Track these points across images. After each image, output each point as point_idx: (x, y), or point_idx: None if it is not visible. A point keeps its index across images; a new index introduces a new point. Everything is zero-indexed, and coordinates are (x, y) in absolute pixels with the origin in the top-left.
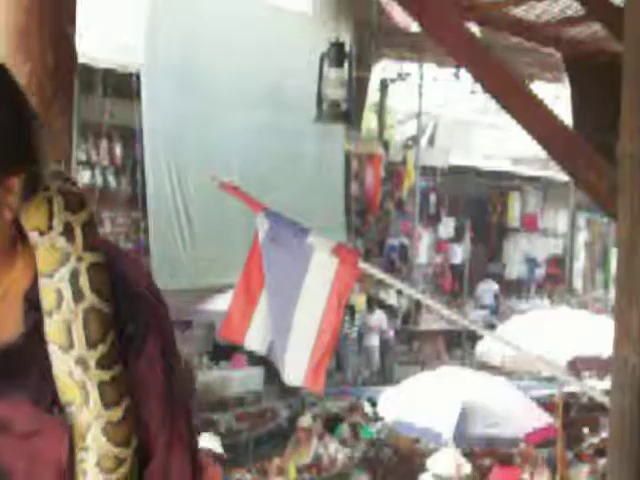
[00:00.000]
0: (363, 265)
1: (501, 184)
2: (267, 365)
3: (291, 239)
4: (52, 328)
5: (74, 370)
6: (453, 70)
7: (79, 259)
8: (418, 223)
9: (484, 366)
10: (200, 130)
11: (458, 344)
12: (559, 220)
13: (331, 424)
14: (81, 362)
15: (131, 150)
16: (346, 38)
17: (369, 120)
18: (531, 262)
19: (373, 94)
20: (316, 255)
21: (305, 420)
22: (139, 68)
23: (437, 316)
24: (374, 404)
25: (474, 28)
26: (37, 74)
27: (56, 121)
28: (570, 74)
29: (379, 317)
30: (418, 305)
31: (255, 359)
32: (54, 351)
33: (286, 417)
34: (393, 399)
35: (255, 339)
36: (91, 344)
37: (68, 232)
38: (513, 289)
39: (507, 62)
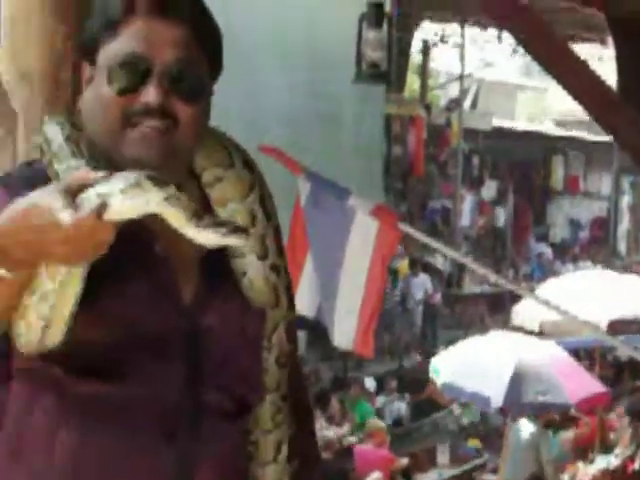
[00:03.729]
0: (404, 227)
1: (544, 146)
2: (309, 328)
3: (333, 201)
4: (249, 241)
5: (270, 275)
6: (495, 32)
7: (261, 187)
8: (461, 186)
9: (521, 329)
10: (239, 92)
11: (501, 308)
12: (603, 183)
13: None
14: (275, 268)
15: None
16: None
17: (411, 82)
18: (575, 225)
19: (415, 56)
20: (357, 217)
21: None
22: None
23: (480, 279)
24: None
25: None
26: (73, 36)
27: None
28: (615, 35)
29: (423, 280)
30: (461, 268)
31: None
32: (252, 260)
33: (329, 379)
34: (442, 363)
35: (304, 302)
36: (280, 253)
37: (248, 166)
38: (557, 252)
39: (549, 23)
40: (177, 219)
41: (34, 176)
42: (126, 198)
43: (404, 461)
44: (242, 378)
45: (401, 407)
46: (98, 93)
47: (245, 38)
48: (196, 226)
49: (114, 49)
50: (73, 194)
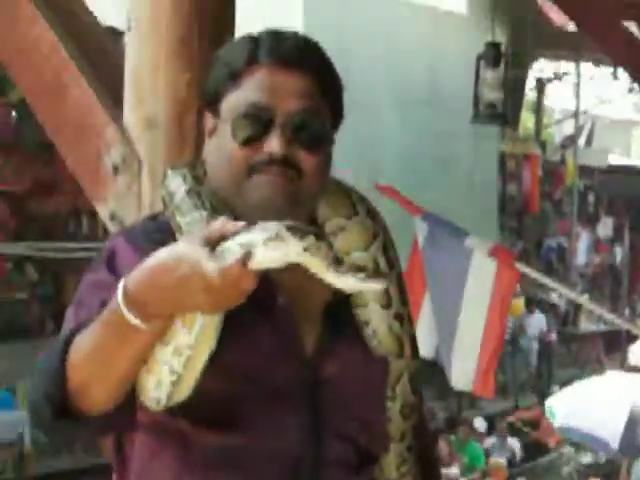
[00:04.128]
0: (521, 266)
1: None
2: (425, 367)
3: (450, 241)
4: (373, 290)
5: (393, 324)
6: (610, 69)
7: (384, 235)
8: (576, 223)
9: (637, 369)
10: (355, 131)
11: (618, 346)
12: None
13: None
14: (398, 317)
15: None
16: (502, 38)
17: (526, 120)
18: None
19: (530, 93)
20: (475, 257)
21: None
22: None
23: (596, 318)
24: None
25: (633, 27)
26: (197, 82)
27: None
28: None
29: (538, 318)
30: (577, 307)
31: None
32: (375, 309)
33: (443, 418)
34: (561, 402)
35: (422, 343)
36: (404, 303)
37: (371, 215)
38: None
39: None
40: (317, 266)
41: (158, 230)
42: (268, 249)
43: None
44: (365, 428)
45: (515, 447)
46: (222, 144)
47: (363, 77)
48: (335, 272)
49: (237, 99)
50: (213, 245)
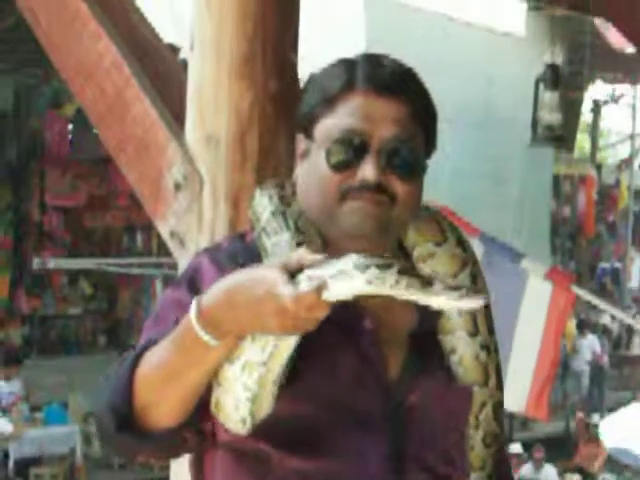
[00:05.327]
0: (576, 289)
1: None
2: None
3: (506, 263)
4: (460, 319)
5: (480, 353)
6: None
7: (474, 265)
8: (631, 246)
9: None
10: None
11: None
12: None
13: None
14: (485, 347)
15: None
16: (558, 60)
17: (581, 141)
18: None
19: (586, 115)
20: (531, 280)
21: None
22: None
23: None
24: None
25: None
26: (260, 101)
27: (278, 145)
28: None
29: (591, 341)
30: (630, 330)
31: None
32: (462, 337)
33: None
34: (612, 426)
35: None
36: (491, 332)
37: (461, 244)
38: None
39: None
40: (405, 293)
41: (243, 251)
42: (340, 282)
43: None
44: (446, 457)
45: (550, 474)
46: (314, 168)
47: None
48: (428, 293)
49: (332, 124)
50: (291, 272)
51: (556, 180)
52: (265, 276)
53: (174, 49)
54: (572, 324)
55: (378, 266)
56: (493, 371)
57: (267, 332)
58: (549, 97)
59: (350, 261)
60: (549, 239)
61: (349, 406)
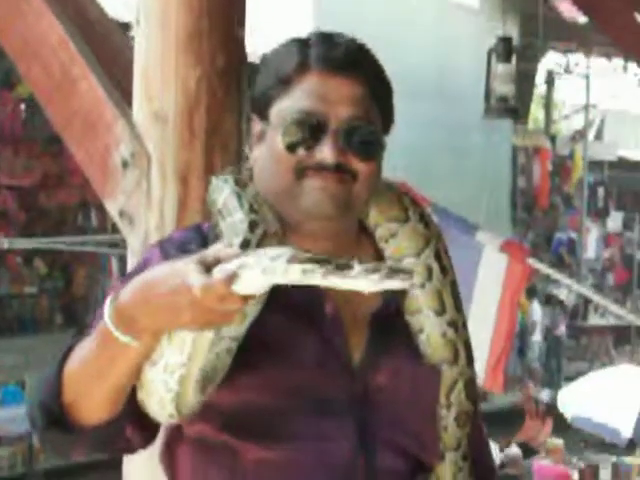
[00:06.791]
0: (532, 261)
1: None
2: None
3: (460, 236)
4: (425, 297)
5: (447, 331)
6: (621, 62)
7: (438, 241)
8: (586, 217)
9: None
10: None
11: (627, 341)
12: None
13: None
14: (452, 324)
15: None
16: (512, 32)
17: (536, 113)
18: None
19: (540, 87)
20: (486, 252)
21: None
22: None
23: (605, 312)
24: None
25: None
26: (208, 77)
27: (226, 121)
28: None
29: (535, 310)
30: (586, 301)
31: None
32: (429, 315)
33: None
34: (571, 395)
35: None
36: (458, 308)
37: (424, 221)
38: None
39: None
40: (323, 281)
41: (195, 239)
42: (258, 273)
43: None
44: (416, 438)
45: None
46: (271, 150)
47: None
48: (345, 278)
49: (287, 106)
50: (207, 266)
51: (513, 152)
52: (179, 269)
53: (123, 26)
54: (522, 295)
55: (293, 257)
56: (462, 348)
57: (182, 327)
58: (502, 69)
59: (266, 253)
60: (510, 212)
61: (312, 392)
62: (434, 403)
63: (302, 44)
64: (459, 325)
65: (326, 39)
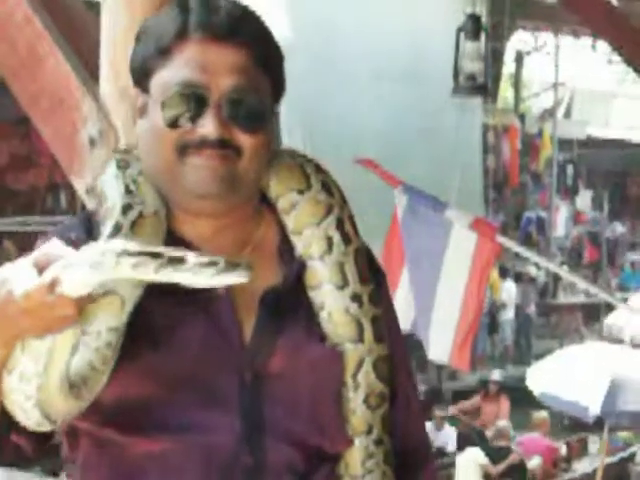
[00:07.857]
0: (501, 239)
1: None
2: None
3: (430, 214)
4: (325, 270)
5: (350, 306)
6: (590, 40)
7: (341, 209)
8: (555, 195)
9: (614, 340)
10: (336, 106)
11: (596, 318)
12: None
13: None
14: (356, 298)
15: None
16: (481, 10)
17: (505, 92)
18: None
19: (508, 65)
20: (455, 229)
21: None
22: None
23: (575, 289)
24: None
25: None
26: None
27: None
28: None
29: (511, 289)
30: (556, 278)
31: None
32: (329, 291)
33: (423, 391)
34: (540, 372)
35: (399, 315)
36: (363, 281)
37: (326, 188)
38: None
39: None
40: (155, 277)
41: (79, 226)
42: (87, 270)
43: (564, 449)
44: (317, 425)
45: (450, 436)
46: (152, 124)
47: (345, 47)
48: (178, 272)
49: (167, 77)
50: (41, 268)
51: (483, 131)
52: (9, 275)
53: (92, 3)
54: (495, 274)
55: (123, 251)
56: (369, 324)
57: (26, 334)
58: (470, 47)
59: (98, 248)
60: (481, 190)
61: (197, 380)
62: (337, 385)
63: (182, 11)
64: (364, 299)
65: (206, 3)
